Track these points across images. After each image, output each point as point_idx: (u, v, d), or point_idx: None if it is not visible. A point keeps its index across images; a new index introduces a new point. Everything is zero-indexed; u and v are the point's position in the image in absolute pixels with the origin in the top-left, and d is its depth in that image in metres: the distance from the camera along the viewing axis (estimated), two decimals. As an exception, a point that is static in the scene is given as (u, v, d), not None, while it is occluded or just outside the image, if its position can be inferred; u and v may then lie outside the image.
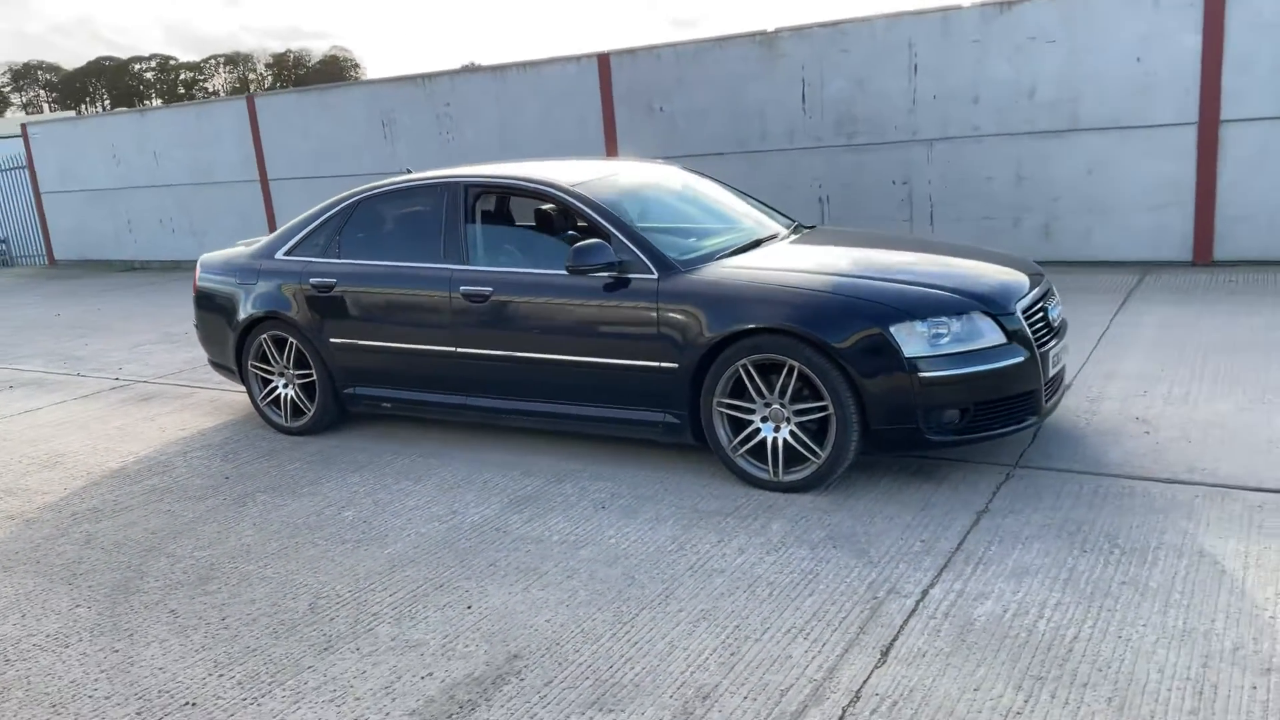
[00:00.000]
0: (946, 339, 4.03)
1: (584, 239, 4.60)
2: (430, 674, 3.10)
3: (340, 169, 13.27)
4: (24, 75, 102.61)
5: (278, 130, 13.73)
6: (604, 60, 11.04)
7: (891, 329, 3.99)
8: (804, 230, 5.39)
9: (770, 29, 10.14)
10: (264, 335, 5.69)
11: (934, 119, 9.45)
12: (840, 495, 4.21)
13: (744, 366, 4.24)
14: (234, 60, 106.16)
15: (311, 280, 5.45)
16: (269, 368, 5.76)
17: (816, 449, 4.18)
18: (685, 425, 4.47)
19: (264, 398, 5.82)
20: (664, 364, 4.43)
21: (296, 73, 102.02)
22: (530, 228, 5.04)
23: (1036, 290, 4.41)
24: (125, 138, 15.32)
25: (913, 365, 3.97)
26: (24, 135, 16.43)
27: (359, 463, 5.16)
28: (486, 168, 5.34)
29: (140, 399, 6.89)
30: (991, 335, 4.09)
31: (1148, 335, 6.29)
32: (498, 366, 4.90)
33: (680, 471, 4.63)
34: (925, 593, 3.35)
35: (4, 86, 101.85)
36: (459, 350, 4.99)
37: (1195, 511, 3.78)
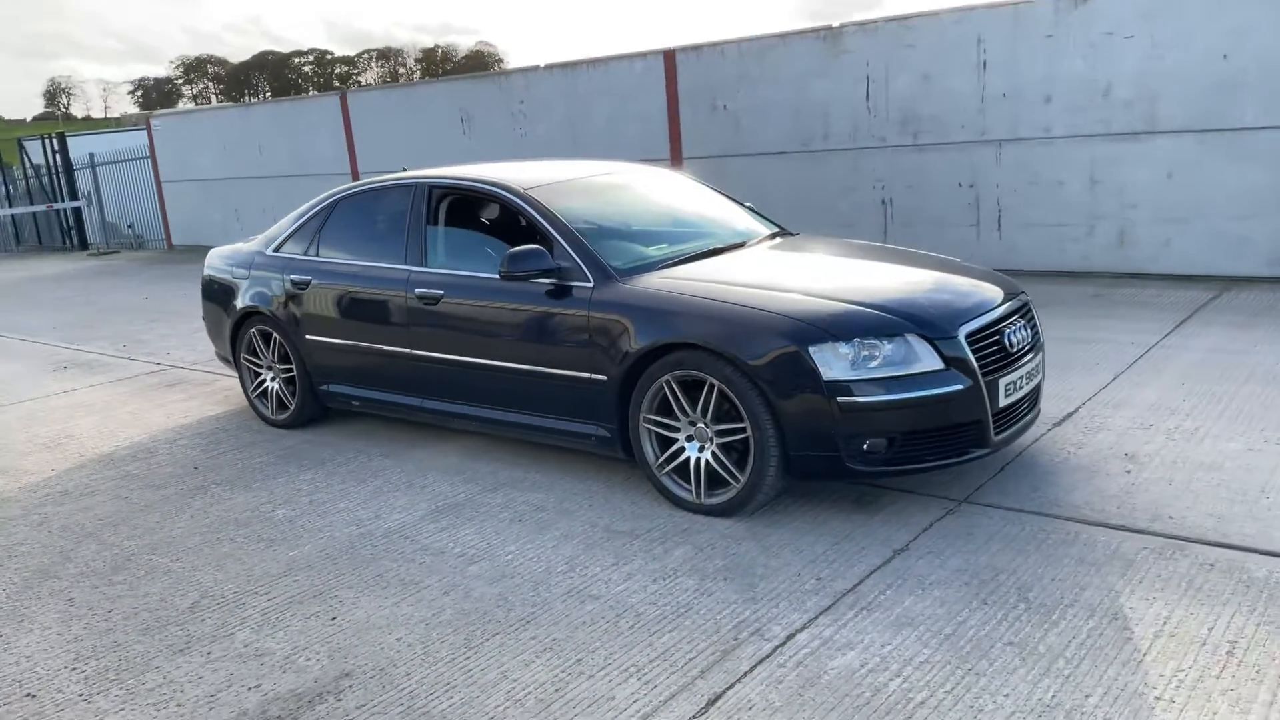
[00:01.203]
0: (875, 362, 3.73)
1: (528, 244, 4.49)
2: (259, 685, 3.06)
3: (422, 164, 13.52)
4: (195, 69, 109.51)
5: (368, 125, 14.11)
6: (669, 57, 10.87)
7: (811, 349, 3.73)
8: (780, 238, 5.12)
9: (835, 24, 9.76)
10: (253, 329, 5.81)
11: (1003, 118, 8.90)
12: (762, 521, 3.97)
13: (668, 382, 4.04)
14: (385, 55, 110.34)
15: (291, 277, 5.52)
16: (258, 361, 5.87)
17: (736, 473, 3.95)
18: (616, 439, 4.31)
19: (254, 390, 5.94)
20: (594, 375, 4.28)
21: (444, 67, 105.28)
22: (486, 231, 4.96)
23: (997, 312, 4.04)
24: (233, 130, 16.05)
25: (832, 389, 3.70)
26: (148, 127, 17.43)
27: (320, 459, 5.20)
28: (456, 169, 5.29)
29: (167, 385, 7.16)
30: (927, 360, 3.77)
31: (1189, 360, 5.73)
32: (446, 370, 4.84)
33: (615, 486, 4.47)
34: (791, 637, 3.10)
35: (177, 79, 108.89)
36: (413, 352, 4.96)
37: (1134, 566, 3.39)
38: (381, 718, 2.84)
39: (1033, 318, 4.34)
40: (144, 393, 6.96)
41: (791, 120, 10.15)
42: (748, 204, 5.67)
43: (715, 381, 3.90)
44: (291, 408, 5.71)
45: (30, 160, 19.99)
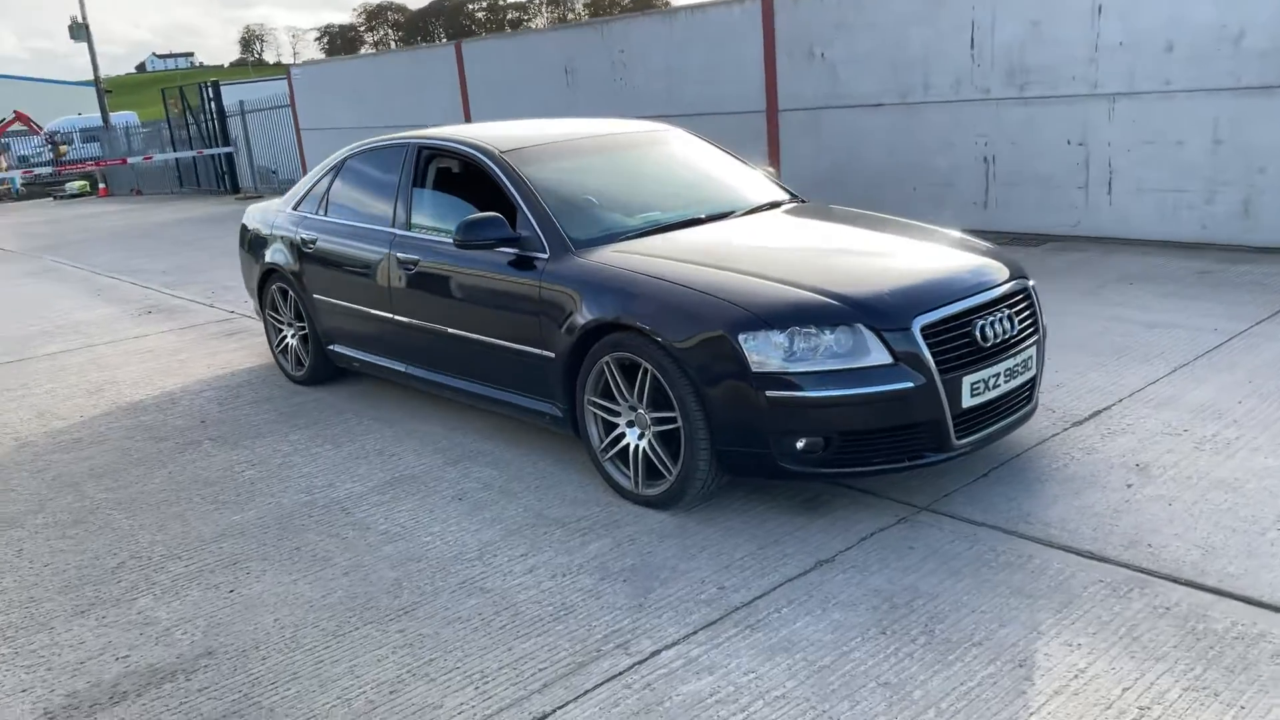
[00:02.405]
0: (814, 353, 3.38)
1: (492, 210, 4.31)
2: (127, 656, 3.08)
3: (529, 114, 13.48)
4: (376, 15, 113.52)
5: (480, 76, 14.16)
6: (768, 2, 10.34)
7: (740, 336, 3.41)
8: (777, 208, 4.74)
9: (938, -35, 9.01)
10: (274, 286, 5.89)
11: (1118, 69, 8.02)
12: (697, 517, 3.72)
13: (607, 364, 3.81)
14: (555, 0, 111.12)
15: (301, 234, 5.55)
16: (280, 318, 5.96)
17: (670, 465, 3.70)
18: (566, 420, 4.12)
19: (277, 345, 6.05)
20: (544, 352, 4.09)
21: (610, 11, 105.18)
22: (466, 195, 4.80)
23: (968, 302, 3.58)
24: (365, 80, 16.46)
25: (762, 381, 3.38)
26: (288, 77, 18.10)
27: (315, 419, 5.23)
28: (452, 129, 5.15)
29: (227, 334, 7.41)
30: (876, 354, 3.39)
31: (1270, 356, 5.02)
32: (424, 337, 4.76)
33: (570, 468, 4.29)
34: (656, 653, 2.87)
35: (360, 26, 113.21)
36: (395, 317, 4.89)
37: (1076, 603, 2.96)
38: (214, 704, 2.80)
39: (1028, 307, 3.85)
40: (203, 341, 7.23)
41: (890, 70, 9.49)
42: (770, 169, 5.30)
43: (649, 366, 3.64)
44: (306, 365, 5.77)
45: (189, 107, 21.17)
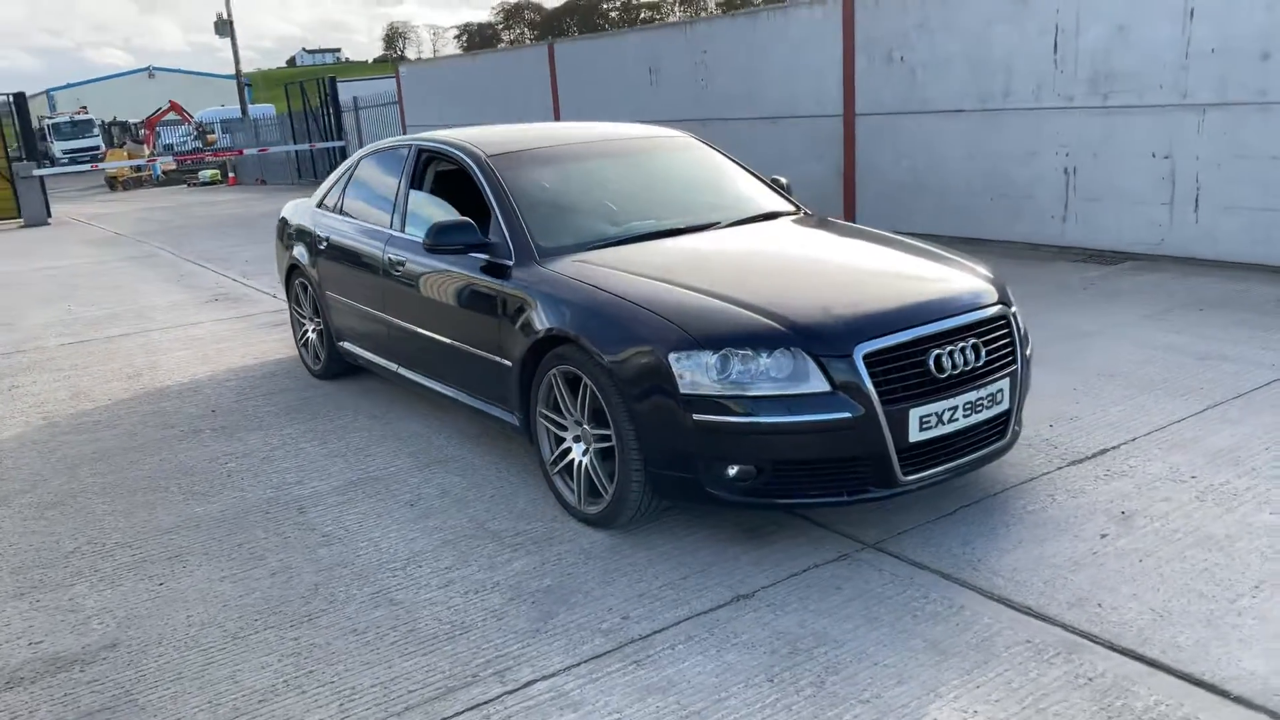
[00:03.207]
0: (749, 376, 3.21)
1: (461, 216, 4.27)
2: (40, 643, 3.15)
3: (613, 116, 13.47)
4: (513, 14, 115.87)
5: (570, 76, 14.22)
6: (848, 3, 10.02)
7: (671, 356, 3.26)
8: (770, 220, 4.54)
9: (1022, -35, 8.55)
10: (297, 281, 6.01)
11: (1209, 78, 7.44)
12: (633, 539, 3.58)
13: (555, 376, 3.71)
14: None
15: (318, 232, 5.63)
16: (302, 312, 6.07)
17: (607, 483, 3.57)
18: (524, 429, 4.04)
19: (300, 339, 6.16)
20: (503, 360, 4.02)
21: (741, 7, 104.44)
22: (457, 197, 4.77)
23: (924, 330, 3.33)
24: (464, 79, 16.75)
25: (690, 403, 3.22)
26: (396, 75, 18.60)
27: (314, 414, 5.30)
28: (451, 131, 5.11)
29: (273, 325, 7.62)
30: (814, 381, 3.19)
31: (1324, 394, 4.55)
32: (410, 339, 4.75)
33: (530, 478, 4.21)
34: (529, 684, 2.76)
35: (498, 24, 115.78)
36: (387, 317, 4.91)
37: (989, 664, 2.71)
38: (95, 697, 2.83)
39: (1004, 337, 3.56)
40: (250, 331, 7.45)
41: (970, 74, 9.07)
42: (781, 179, 5.10)
43: (588, 380, 3.53)
44: (322, 360, 5.86)
45: (308, 103, 22.00)
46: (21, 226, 17.25)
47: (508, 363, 3.98)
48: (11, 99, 18.22)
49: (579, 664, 2.84)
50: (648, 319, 3.38)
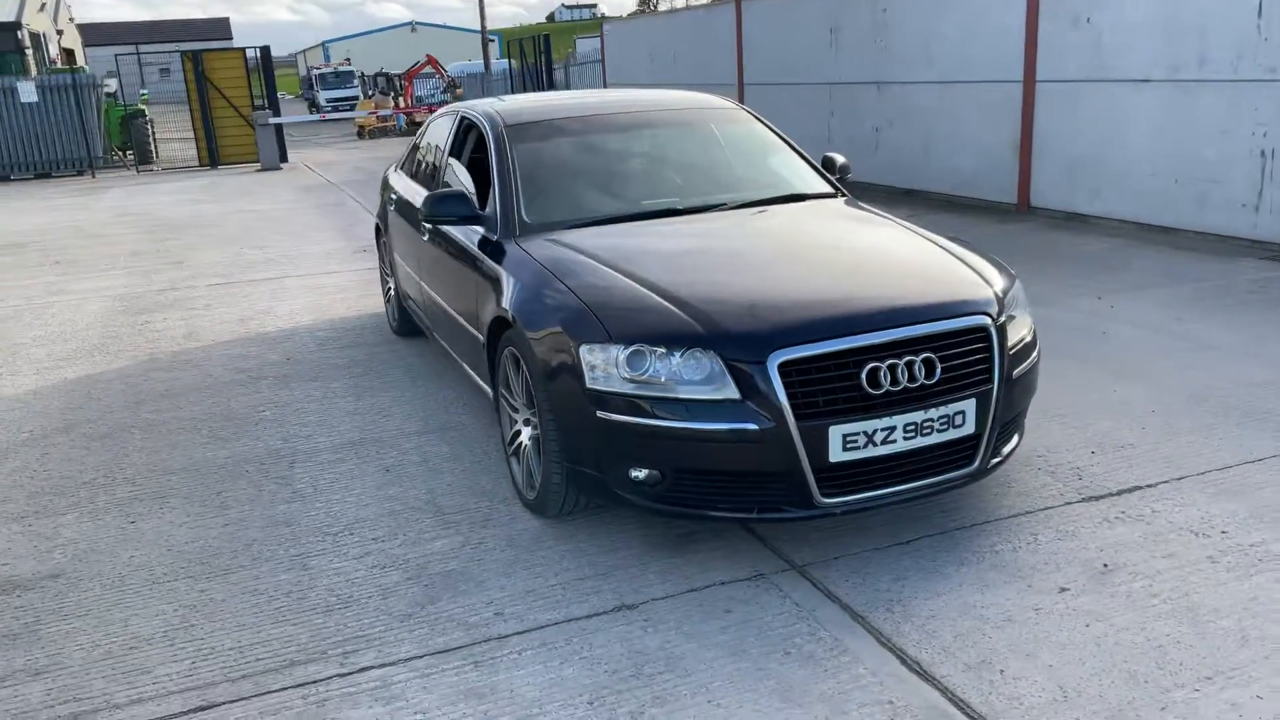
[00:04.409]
0: (659, 376, 3.01)
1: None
2: (8, 565, 3.46)
3: (793, 77, 13.02)
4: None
5: (756, 35, 13.84)
6: (1036, -42, 9.13)
7: (582, 348, 3.11)
8: (800, 201, 4.23)
9: (1226, -86, 7.44)
10: (381, 240, 6.23)
11: None
12: (565, 530, 3.48)
13: (507, 355, 3.65)
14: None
15: (390, 194, 5.80)
16: (386, 271, 6.30)
17: (537, 472, 3.48)
18: (496, 407, 4.00)
19: (386, 295, 6.40)
20: (478, 335, 4.00)
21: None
22: (480, 166, 4.73)
23: (867, 339, 2.98)
24: (659, 37, 16.70)
25: (595, 399, 3.07)
26: (600, 34, 18.80)
27: (367, 370, 5.49)
28: (494, 100, 5.08)
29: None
30: (725, 387, 2.96)
31: None
32: (432, 305, 4.82)
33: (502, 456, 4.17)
34: (365, 670, 2.75)
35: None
36: (420, 282, 5.00)
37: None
38: (11, 623, 3.08)
39: (979, 352, 3.13)
40: (370, 285, 7.80)
41: (1162, 39, 8.06)
42: (836, 157, 4.73)
43: (524, 363, 3.44)
44: (397, 318, 6.07)
45: (525, 60, 22.68)
46: (258, 170, 18.92)
47: (481, 338, 3.94)
48: (259, 52, 19.92)
49: (421, 656, 2.79)
50: (572, 306, 3.24)
